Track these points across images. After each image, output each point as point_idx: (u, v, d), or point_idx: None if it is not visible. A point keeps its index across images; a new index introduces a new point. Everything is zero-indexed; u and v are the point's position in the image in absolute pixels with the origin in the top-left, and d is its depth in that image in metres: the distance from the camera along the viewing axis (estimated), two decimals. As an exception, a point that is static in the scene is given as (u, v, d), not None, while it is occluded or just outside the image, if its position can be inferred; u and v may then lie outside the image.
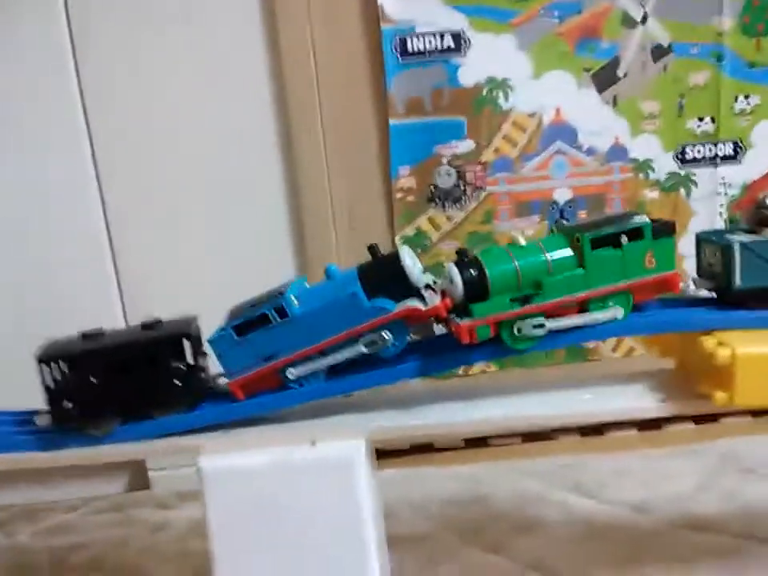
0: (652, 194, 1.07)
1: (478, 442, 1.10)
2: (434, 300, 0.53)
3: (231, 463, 0.51)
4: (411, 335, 0.55)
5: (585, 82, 1.02)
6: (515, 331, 0.53)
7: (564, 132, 1.03)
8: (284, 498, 0.51)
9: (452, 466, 1.04)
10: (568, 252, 0.54)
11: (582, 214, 1.06)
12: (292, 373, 0.54)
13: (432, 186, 1.04)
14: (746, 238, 0.55)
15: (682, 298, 0.59)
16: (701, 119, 1.04)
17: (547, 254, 0.53)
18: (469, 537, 0.85)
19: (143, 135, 0.99)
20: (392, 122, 1.00)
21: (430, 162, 1.02)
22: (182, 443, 0.54)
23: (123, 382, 0.55)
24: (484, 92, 1.00)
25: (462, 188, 1.04)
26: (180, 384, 0.55)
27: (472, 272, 0.52)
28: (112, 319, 0.85)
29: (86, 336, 0.57)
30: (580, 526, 0.85)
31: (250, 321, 0.54)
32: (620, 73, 1.02)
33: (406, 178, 1.03)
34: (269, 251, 1.02)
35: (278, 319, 0.54)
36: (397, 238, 1.05)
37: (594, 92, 1.03)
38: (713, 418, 1.11)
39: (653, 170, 1.05)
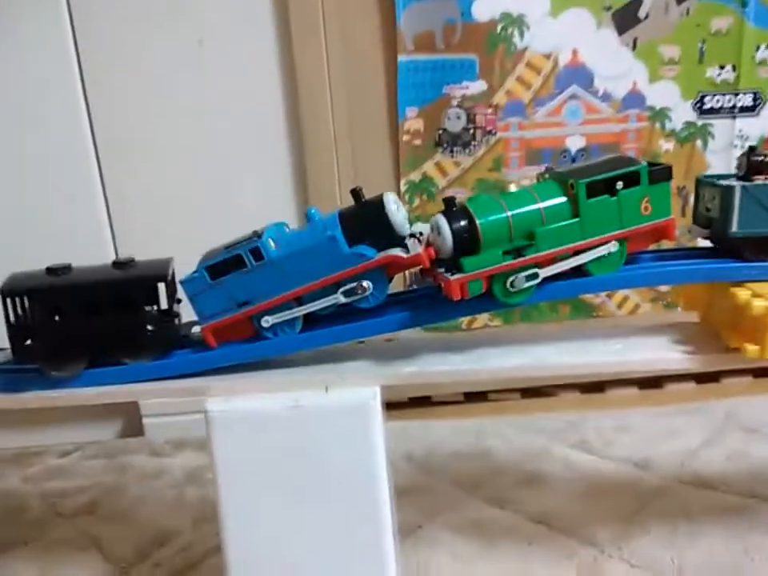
0: (667, 145, 1.04)
1: (477, 396, 1.09)
2: (417, 248, 0.50)
3: (241, 407, 0.49)
4: (416, 284, 0.53)
5: (605, 21, 0.98)
6: (508, 285, 0.50)
7: (580, 75, 0.99)
8: (295, 444, 0.49)
9: (451, 419, 1.03)
10: (562, 200, 0.51)
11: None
12: (267, 321, 0.52)
13: (440, 130, 1.00)
14: (746, 183, 0.53)
15: (677, 249, 0.58)
16: (721, 67, 1.01)
17: (540, 203, 0.50)
18: (470, 489, 0.84)
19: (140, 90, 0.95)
20: (400, 58, 0.96)
21: (438, 103, 0.99)
22: (185, 386, 0.52)
23: (90, 323, 0.52)
24: (498, 29, 0.96)
25: (472, 132, 1.00)
26: (152, 329, 0.52)
27: (461, 223, 0.49)
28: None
29: (51, 271, 0.53)
30: (584, 481, 0.85)
31: (224, 262, 0.52)
32: (641, 14, 0.98)
33: (413, 120, 0.99)
34: (269, 194, 0.98)
35: (254, 262, 0.51)
36: (402, 183, 1.02)
37: (614, 33, 0.98)
38: (714, 377, 1.11)
39: (669, 119, 1.02)
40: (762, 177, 0.54)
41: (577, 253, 0.51)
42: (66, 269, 0.53)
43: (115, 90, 0.95)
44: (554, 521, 0.77)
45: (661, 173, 0.51)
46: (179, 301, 0.55)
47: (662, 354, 0.52)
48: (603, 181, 0.50)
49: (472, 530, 0.76)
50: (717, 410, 1.00)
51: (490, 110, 0.99)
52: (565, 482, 0.85)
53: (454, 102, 0.98)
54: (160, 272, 0.53)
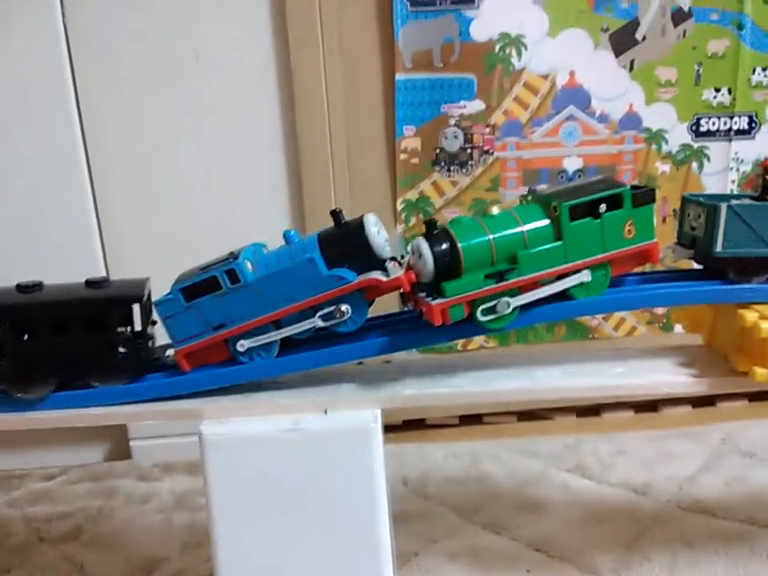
0: (664, 167, 1.04)
1: (472, 419, 1.08)
2: (397, 272, 0.49)
3: (237, 431, 0.48)
4: (407, 306, 0.52)
5: (602, 43, 0.98)
6: (489, 309, 0.49)
7: (577, 96, 1.00)
8: (293, 468, 0.48)
9: (446, 442, 1.02)
10: (544, 222, 0.50)
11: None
12: (242, 345, 0.51)
13: (437, 149, 1.00)
14: (735, 201, 0.53)
15: (663, 271, 0.57)
16: (717, 90, 1.01)
17: (523, 225, 0.50)
18: (468, 515, 0.83)
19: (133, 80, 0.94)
20: (398, 76, 0.96)
21: (436, 122, 0.99)
22: (178, 408, 0.50)
23: (60, 344, 0.50)
24: (496, 48, 0.96)
25: (469, 152, 1.00)
26: (124, 352, 0.51)
27: (443, 246, 0.48)
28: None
29: (21, 288, 0.51)
30: (582, 507, 0.84)
31: (199, 284, 0.50)
32: (638, 36, 0.99)
33: (410, 139, 0.99)
34: (265, 209, 0.98)
35: (229, 285, 0.50)
36: (398, 202, 1.01)
37: (611, 55, 0.99)
38: (710, 401, 1.11)
39: (666, 141, 1.03)
40: None
41: (560, 277, 0.50)
42: (37, 286, 0.52)
43: (109, 101, 0.94)
44: (553, 547, 0.75)
45: (644, 196, 0.51)
46: (154, 323, 0.54)
47: (667, 377, 0.51)
48: (586, 203, 0.50)
49: (469, 557, 0.74)
50: (713, 434, 0.99)
51: (487, 130, 0.99)
52: (563, 507, 0.84)
53: (452, 121, 0.98)
54: (134, 293, 0.51)
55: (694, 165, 1.04)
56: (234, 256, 0.50)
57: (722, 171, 1.05)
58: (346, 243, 0.50)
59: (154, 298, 0.52)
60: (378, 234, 0.50)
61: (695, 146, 1.03)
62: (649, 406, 1.10)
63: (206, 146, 0.96)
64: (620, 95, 1.01)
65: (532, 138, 1.00)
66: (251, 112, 0.95)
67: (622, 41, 0.99)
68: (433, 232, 0.49)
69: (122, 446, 1.02)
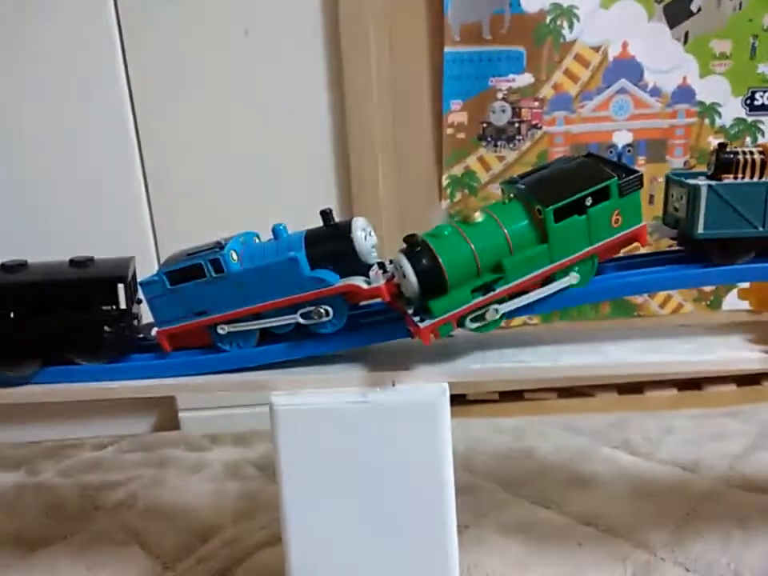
0: (716, 142, 1.02)
1: (512, 396, 1.08)
2: (378, 281, 0.49)
3: (306, 402, 0.49)
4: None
5: (656, 14, 0.97)
6: (477, 317, 0.49)
7: (629, 69, 0.98)
8: (361, 440, 0.49)
9: (489, 417, 1.03)
10: (527, 223, 0.49)
11: (641, 161, 1.02)
12: (223, 329, 0.52)
13: (484, 123, 0.99)
14: (714, 181, 0.51)
15: (644, 254, 0.56)
16: (773, 62, 0.99)
17: (505, 230, 0.49)
18: (516, 489, 0.83)
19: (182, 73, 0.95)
20: (447, 49, 0.95)
21: (484, 96, 0.98)
22: (250, 379, 0.51)
23: (45, 323, 0.52)
24: (547, 20, 0.95)
25: (517, 126, 0.99)
26: (109, 331, 0.52)
27: (425, 263, 0.48)
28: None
29: (5, 267, 0.53)
30: (630, 483, 0.84)
31: (184, 270, 0.51)
32: (693, 7, 0.97)
33: (457, 113, 0.99)
34: (311, 184, 0.98)
35: (213, 274, 0.51)
36: (444, 178, 1.01)
37: (665, 26, 0.97)
38: (755, 380, 1.10)
39: (719, 114, 1.01)
40: (731, 176, 0.52)
41: (548, 277, 0.50)
42: (22, 266, 0.53)
43: (160, 80, 0.95)
44: (604, 522, 0.76)
45: (631, 184, 0.50)
46: (140, 301, 0.55)
47: (740, 353, 0.51)
48: (571, 203, 0.48)
49: (519, 531, 0.75)
50: (759, 413, 0.98)
51: (536, 104, 0.98)
52: (611, 483, 0.84)
53: (500, 95, 0.98)
54: (118, 273, 0.52)
55: (748, 139, 1.02)
56: (220, 246, 0.51)
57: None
58: (331, 245, 0.51)
59: (125, 269, 0.53)
60: (366, 239, 0.50)
61: (749, 120, 1.01)
62: (692, 384, 1.09)
63: (253, 121, 0.96)
64: (673, 68, 0.99)
65: (581, 112, 0.99)
66: (298, 87, 0.95)
67: (677, 12, 0.97)
68: (414, 248, 0.48)
69: (171, 417, 1.04)
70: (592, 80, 0.98)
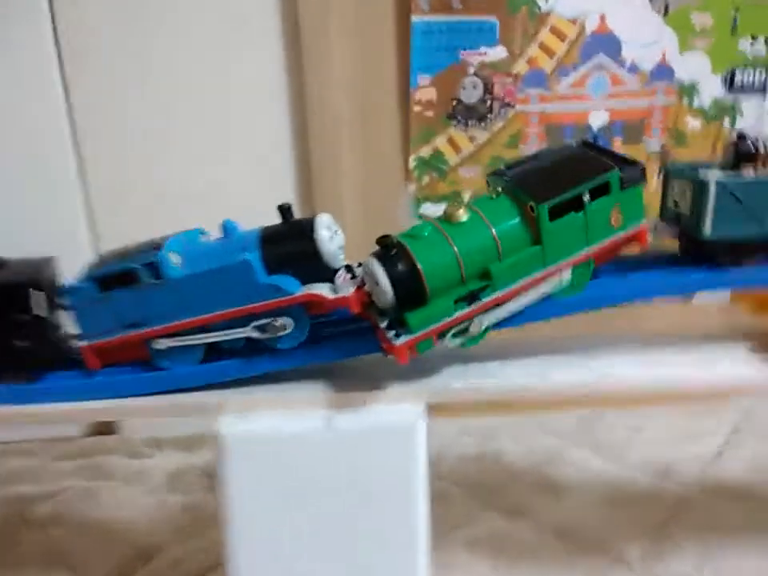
0: (694, 123, 0.97)
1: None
2: (346, 289, 0.43)
3: (260, 428, 0.42)
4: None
5: (637, -17, 0.91)
6: (460, 333, 0.43)
7: (607, 43, 0.93)
8: (324, 472, 0.42)
9: (455, 418, 0.97)
10: (517, 222, 0.43)
11: (617, 142, 0.97)
12: (162, 343, 0.45)
13: (455, 100, 0.92)
14: (723, 176, 0.46)
15: (641, 255, 0.51)
16: (754, 38, 0.94)
17: (493, 229, 0.42)
18: (486, 498, 0.79)
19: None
20: (414, 18, 0.88)
21: (453, 70, 0.91)
22: (190, 401, 0.44)
23: None
24: (523, -12, 0.88)
25: (489, 104, 0.93)
26: (22, 344, 0.44)
27: (400, 268, 0.41)
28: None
29: None
30: (604, 489, 0.80)
31: (115, 275, 0.44)
32: (675, -25, 0.91)
33: (425, 89, 0.92)
34: (267, 163, 0.90)
35: (149, 280, 0.44)
36: (411, 159, 0.94)
37: (645, -3, 0.91)
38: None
39: (698, 92, 0.96)
40: (751, 166, 0.47)
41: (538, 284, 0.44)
42: None
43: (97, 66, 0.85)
44: (578, 534, 0.72)
45: (633, 177, 0.44)
46: (65, 308, 0.47)
47: (742, 369, 0.45)
48: (568, 200, 0.42)
49: (489, 546, 0.70)
50: (732, 410, 0.95)
51: (509, 80, 0.92)
52: (584, 489, 0.81)
53: (471, 70, 0.91)
54: (33, 275, 0.45)
55: (726, 120, 0.98)
56: (156, 246, 0.44)
57: (754, 128, 0.98)
58: (290, 246, 0.43)
59: (41, 271, 0.46)
60: (331, 239, 0.43)
61: (728, 99, 0.96)
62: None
63: (198, 94, 0.88)
64: (653, 42, 0.93)
65: (557, 90, 0.93)
66: (250, 57, 0.87)
67: (657, -19, 0.91)
68: (389, 251, 0.41)
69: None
70: (568, 55, 0.92)
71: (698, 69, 0.95)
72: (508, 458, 0.87)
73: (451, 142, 0.94)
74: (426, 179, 0.95)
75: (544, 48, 0.92)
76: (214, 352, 0.45)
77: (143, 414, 0.44)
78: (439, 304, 0.41)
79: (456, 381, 0.45)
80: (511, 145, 0.95)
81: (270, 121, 0.89)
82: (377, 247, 0.42)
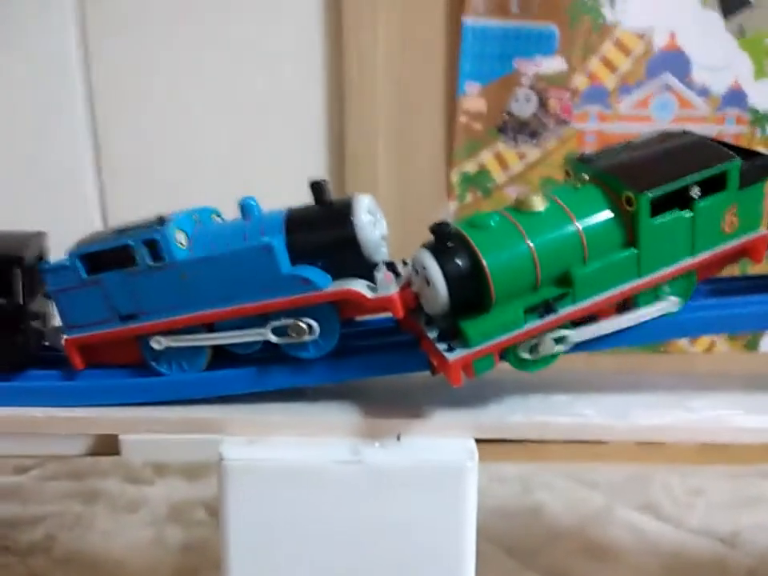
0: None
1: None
2: (388, 288, 0.35)
3: (273, 458, 0.34)
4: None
5: (710, 1, 0.85)
6: (529, 351, 0.35)
7: (676, 62, 0.86)
8: (350, 515, 0.34)
9: (487, 462, 0.89)
10: (609, 216, 0.35)
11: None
12: (160, 342, 0.37)
13: (505, 113, 0.86)
14: None
15: (741, 277, 0.43)
16: (834, 68, 0.88)
17: (578, 224, 0.35)
18: (525, 558, 0.70)
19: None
20: (466, 20, 0.82)
21: (506, 80, 0.85)
22: (190, 417, 0.37)
23: None
24: (587, -5, 0.83)
25: (543, 120, 0.86)
26: None
27: (460, 264, 0.34)
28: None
29: None
30: (660, 556, 0.72)
31: (107, 253, 0.37)
32: (752, -5, 0.85)
33: (474, 99, 0.86)
34: (300, 165, 0.84)
35: (149, 261, 0.36)
36: (453, 173, 0.88)
37: (719, 16, 0.85)
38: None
39: (772, 124, 0.89)
40: None
41: (626, 300, 0.36)
42: None
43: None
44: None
45: (757, 170, 0.36)
46: (47, 296, 0.41)
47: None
48: (676, 191, 0.35)
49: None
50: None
51: (566, 95, 0.86)
52: (637, 554, 0.72)
53: (525, 81, 0.85)
54: (14, 250, 0.38)
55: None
56: (160, 221, 0.37)
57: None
58: (323, 231, 0.36)
59: (24, 247, 0.39)
60: (374, 226, 0.36)
61: (803, 133, 0.89)
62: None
63: (235, 88, 0.83)
64: (726, 66, 0.87)
65: (618, 109, 0.87)
66: (289, 49, 0.82)
67: (733, 1, 0.85)
68: (446, 243, 0.34)
69: (110, 439, 0.89)
70: (632, 72, 0.86)
71: (773, 97, 0.89)
72: (548, 513, 0.79)
73: (498, 158, 0.88)
74: (468, 197, 0.89)
75: (606, 62, 0.86)
76: (221, 358, 0.38)
77: (128, 429, 0.37)
78: (506, 312, 0.34)
79: (514, 413, 0.37)
80: (565, 165, 0.88)
81: (305, 122, 0.85)
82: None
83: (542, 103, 0.86)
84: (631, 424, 0.36)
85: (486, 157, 0.88)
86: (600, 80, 0.86)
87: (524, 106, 0.86)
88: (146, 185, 0.85)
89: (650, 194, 0.34)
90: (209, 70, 0.83)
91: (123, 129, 0.84)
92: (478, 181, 0.88)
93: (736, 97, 0.88)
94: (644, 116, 0.88)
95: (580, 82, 0.86)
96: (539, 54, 0.84)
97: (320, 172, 0.85)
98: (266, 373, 0.37)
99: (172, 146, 0.84)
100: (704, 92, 0.88)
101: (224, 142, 0.85)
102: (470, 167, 0.88)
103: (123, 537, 0.73)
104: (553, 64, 0.85)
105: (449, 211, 0.89)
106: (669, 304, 0.37)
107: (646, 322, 0.37)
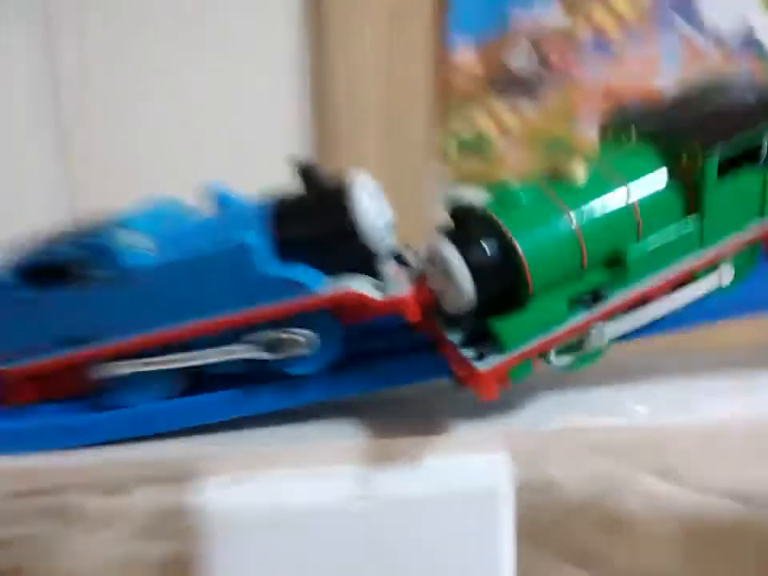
0: None
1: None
2: (398, 286, 0.29)
3: (261, 501, 0.28)
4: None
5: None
6: (571, 348, 0.30)
7: (685, 7, 0.80)
8: (358, 561, 0.28)
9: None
10: (666, 181, 0.30)
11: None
12: (118, 368, 0.32)
13: (501, 69, 0.80)
14: None
15: None
16: None
17: (629, 191, 0.30)
18: (537, 539, 0.65)
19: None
20: (456, -33, 0.76)
21: (501, 34, 0.79)
22: (162, 457, 0.31)
23: None
24: (589, -70, 0.77)
25: (542, 74, 0.80)
26: None
27: (487, 251, 0.28)
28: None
29: None
30: (681, 524, 0.67)
31: (49, 267, 0.31)
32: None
33: (466, 54, 0.80)
34: (277, 126, 0.79)
35: (96, 272, 0.31)
36: (443, 135, 0.82)
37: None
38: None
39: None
40: None
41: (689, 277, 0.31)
42: None
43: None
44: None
45: None
46: None
47: None
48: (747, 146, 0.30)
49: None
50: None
51: (566, 47, 0.79)
52: (657, 525, 0.67)
53: (522, 34, 0.79)
54: None
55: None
56: (117, 223, 0.32)
57: None
58: (315, 222, 0.31)
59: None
60: (379, 212, 0.31)
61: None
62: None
63: (207, 54, 0.78)
64: (739, 11, 0.81)
65: (622, 59, 0.81)
66: (269, 14, 0.77)
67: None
68: (469, 224, 0.28)
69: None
70: (637, 18, 0.80)
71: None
72: (559, 485, 0.74)
73: (495, 118, 0.82)
74: (462, 160, 0.83)
75: (608, 7, 0.80)
76: (196, 381, 0.32)
77: (76, 481, 0.30)
78: (546, 306, 0.28)
79: (553, 419, 0.31)
80: (566, 123, 0.82)
81: (286, 77, 0.79)
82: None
83: (541, 57, 0.80)
84: (703, 420, 0.31)
85: (481, 117, 0.82)
86: (603, 27, 0.80)
87: (521, 60, 0.80)
88: (116, 172, 0.79)
89: (719, 151, 0.29)
90: (180, 51, 0.77)
91: (91, 116, 0.78)
92: (474, 143, 0.82)
93: (750, 43, 0.83)
94: (650, 64, 0.82)
95: (581, 32, 0.80)
96: (536, 1, 0.78)
97: (303, 147, 0.80)
98: (250, 394, 0.31)
99: (143, 128, 0.79)
100: (715, 36, 0.82)
101: (197, 119, 0.79)
102: (463, 128, 0.82)
103: (94, 558, 0.67)
104: (551, 14, 0.79)
105: (442, 175, 0.83)
106: (721, 275, 0.32)
107: (703, 305, 0.32)
